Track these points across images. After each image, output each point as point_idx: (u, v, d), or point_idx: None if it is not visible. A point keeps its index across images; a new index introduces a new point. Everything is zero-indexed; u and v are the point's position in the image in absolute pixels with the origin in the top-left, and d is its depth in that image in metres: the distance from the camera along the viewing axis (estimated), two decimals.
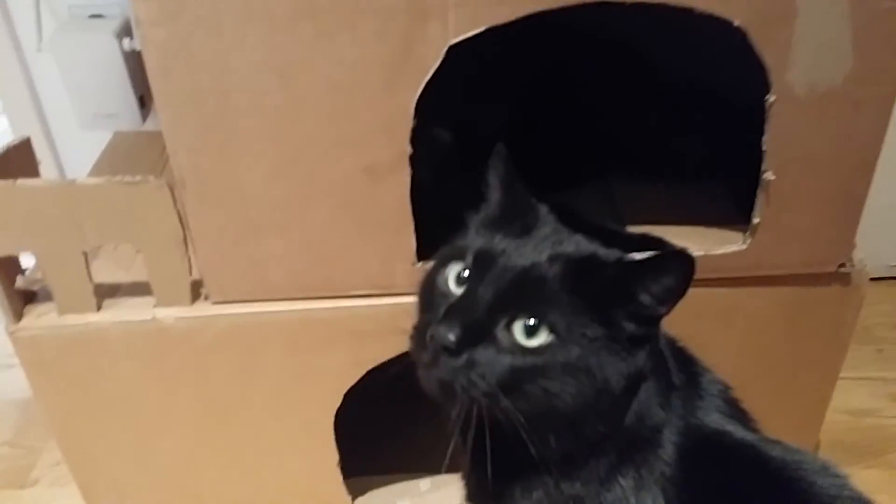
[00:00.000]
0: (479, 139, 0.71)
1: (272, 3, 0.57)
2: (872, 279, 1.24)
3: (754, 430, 0.58)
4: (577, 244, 0.53)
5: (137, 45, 1.01)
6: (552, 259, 0.51)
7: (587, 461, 0.53)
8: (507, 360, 0.48)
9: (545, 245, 0.52)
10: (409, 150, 0.63)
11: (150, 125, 1.07)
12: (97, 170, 0.94)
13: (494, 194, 0.56)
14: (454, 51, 0.59)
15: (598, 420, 0.51)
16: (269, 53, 0.59)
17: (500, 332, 0.49)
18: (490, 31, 0.58)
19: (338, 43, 0.58)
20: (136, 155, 0.97)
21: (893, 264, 1.24)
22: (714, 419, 0.56)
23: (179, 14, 0.57)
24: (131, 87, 1.02)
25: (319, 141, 0.63)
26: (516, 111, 0.76)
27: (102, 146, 1.03)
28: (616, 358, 0.50)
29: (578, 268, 0.50)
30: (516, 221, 0.53)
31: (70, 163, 1.16)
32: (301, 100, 0.61)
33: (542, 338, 0.48)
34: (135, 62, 1.03)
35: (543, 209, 0.56)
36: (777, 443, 0.57)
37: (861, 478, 0.94)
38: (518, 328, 0.49)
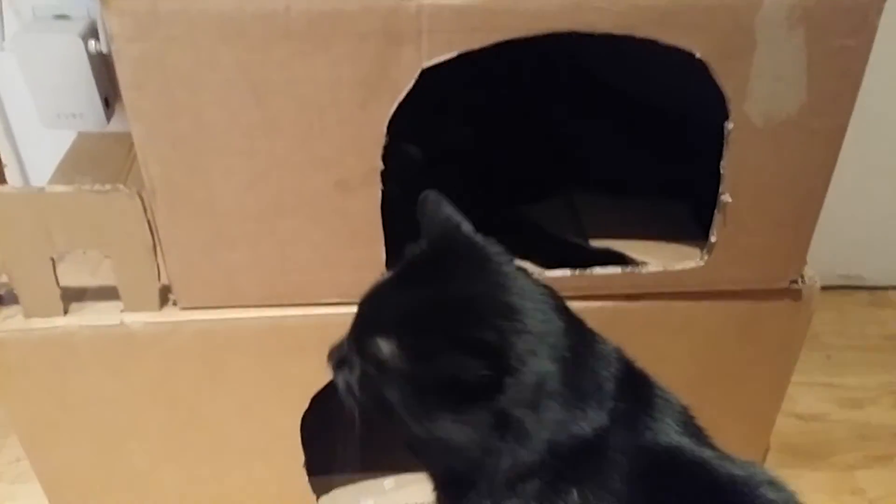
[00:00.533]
0: (446, 153, 0.73)
1: (247, 24, 0.57)
2: (823, 288, 1.29)
3: (710, 447, 0.61)
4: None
5: (104, 48, 1.00)
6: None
7: (496, 484, 0.55)
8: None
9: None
10: (380, 165, 0.64)
11: (114, 126, 1.07)
12: (61, 171, 0.94)
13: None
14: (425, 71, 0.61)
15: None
16: (244, 72, 0.59)
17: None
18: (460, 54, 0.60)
19: (313, 63, 0.59)
20: (100, 157, 0.97)
21: (842, 273, 1.29)
22: (667, 437, 0.58)
23: (154, 31, 0.58)
24: (96, 88, 1.01)
25: (292, 156, 0.64)
26: (483, 127, 0.78)
27: (66, 146, 1.02)
28: None
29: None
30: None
31: (32, 161, 1.14)
32: (275, 117, 0.62)
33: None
34: (100, 63, 1.02)
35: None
36: (729, 458, 0.59)
37: (808, 479, 1.00)
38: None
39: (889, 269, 1.30)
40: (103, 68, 1.03)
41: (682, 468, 0.57)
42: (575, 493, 0.54)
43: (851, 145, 0.98)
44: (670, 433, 0.58)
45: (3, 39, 1.01)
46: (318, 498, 0.89)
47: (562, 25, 0.59)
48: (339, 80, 0.60)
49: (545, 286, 0.57)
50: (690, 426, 0.60)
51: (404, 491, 0.93)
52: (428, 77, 0.61)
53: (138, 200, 0.65)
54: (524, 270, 0.58)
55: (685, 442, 0.58)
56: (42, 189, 0.65)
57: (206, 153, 0.63)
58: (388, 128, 0.63)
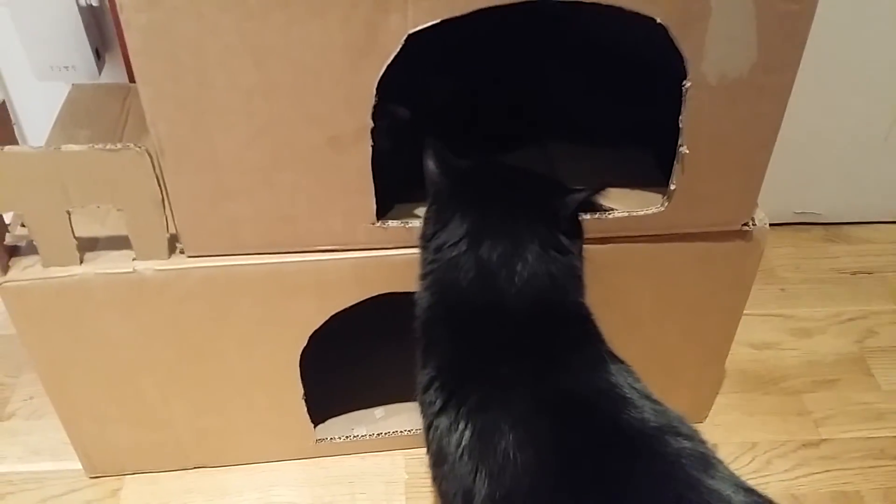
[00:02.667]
0: (427, 108, 0.79)
1: None
2: (778, 224, 1.38)
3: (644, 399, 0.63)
4: None
5: (94, 1, 1.03)
6: None
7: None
8: None
9: None
10: (370, 123, 0.70)
11: (105, 77, 1.11)
12: (60, 124, 0.98)
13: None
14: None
15: None
16: (244, 38, 0.64)
17: None
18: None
19: (307, 30, 0.64)
20: (96, 109, 1.01)
21: (798, 211, 1.36)
22: (595, 384, 0.63)
23: (160, 1, 0.62)
24: (87, 41, 1.05)
25: (289, 115, 0.69)
26: (462, 81, 0.83)
27: (57, 97, 1.05)
28: None
29: None
30: None
31: (25, 113, 1.17)
32: (272, 79, 0.67)
33: None
34: (90, 16, 1.06)
35: None
36: (651, 409, 0.62)
37: (760, 402, 1.10)
38: None
39: (842, 205, 1.36)
40: (93, 21, 1.07)
41: (597, 411, 0.61)
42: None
43: (808, 93, 1.07)
44: (599, 381, 0.63)
45: None
46: (314, 427, 0.97)
47: None
48: (332, 44, 0.65)
49: None
50: (624, 375, 0.64)
51: (393, 420, 1.01)
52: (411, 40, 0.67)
53: (147, 158, 0.71)
54: None
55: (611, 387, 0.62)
56: (59, 148, 0.69)
57: (209, 113, 0.68)
58: (377, 88, 0.68)
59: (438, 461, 0.65)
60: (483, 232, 0.67)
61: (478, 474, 0.60)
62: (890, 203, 1.37)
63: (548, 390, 0.62)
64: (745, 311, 0.94)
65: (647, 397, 0.63)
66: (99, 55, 1.08)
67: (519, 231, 0.67)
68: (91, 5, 1.03)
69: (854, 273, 1.30)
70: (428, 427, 0.66)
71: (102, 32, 1.09)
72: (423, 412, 0.68)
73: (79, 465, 0.96)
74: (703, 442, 0.60)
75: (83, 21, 1.03)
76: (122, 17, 0.63)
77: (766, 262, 1.29)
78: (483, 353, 0.65)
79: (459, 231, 0.67)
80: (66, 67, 1.07)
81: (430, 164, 0.72)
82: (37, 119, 1.03)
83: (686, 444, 0.58)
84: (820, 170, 1.31)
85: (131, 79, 1.08)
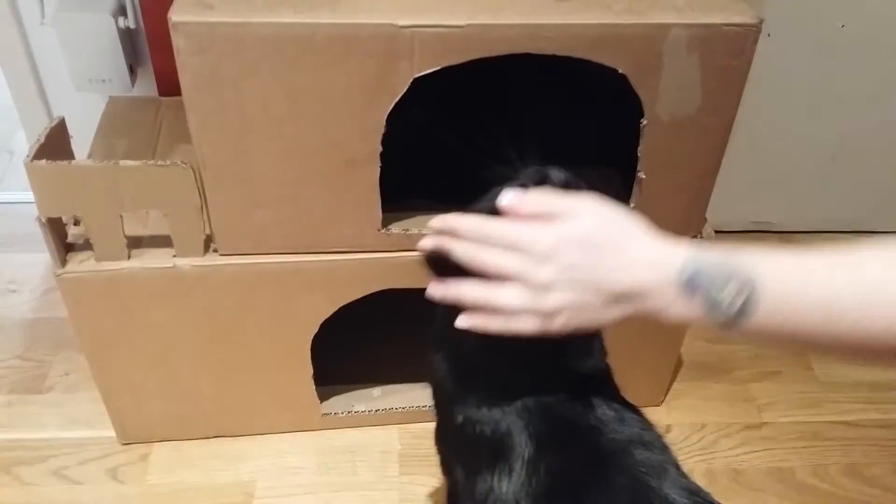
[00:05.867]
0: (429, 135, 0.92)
1: (283, 43, 0.75)
2: (737, 232, 1.53)
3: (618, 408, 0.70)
4: None
5: (130, 24, 1.16)
6: None
7: None
8: None
9: None
10: (379, 148, 0.84)
11: (137, 90, 1.23)
12: (101, 134, 1.10)
13: None
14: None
15: None
16: (278, 78, 0.78)
17: None
18: None
19: (331, 72, 0.78)
20: (132, 120, 1.13)
21: (755, 220, 1.51)
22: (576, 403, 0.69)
23: (210, 48, 0.75)
24: (123, 57, 1.18)
25: (313, 141, 0.83)
26: (458, 113, 0.97)
27: (92, 108, 1.17)
28: None
29: None
30: None
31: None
32: (300, 111, 0.80)
33: None
34: (126, 36, 1.18)
35: None
36: (621, 420, 0.68)
37: (711, 390, 1.25)
38: None
39: (795, 216, 1.52)
40: (129, 40, 1.20)
41: (577, 428, 0.68)
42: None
43: (765, 117, 1.24)
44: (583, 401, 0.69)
45: (43, 16, 1.16)
46: (321, 402, 1.11)
47: (519, 48, 0.78)
48: (351, 85, 0.79)
49: None
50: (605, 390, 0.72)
51: (389, 398, 1.14)
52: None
53: (191, 172, 0.84)
54: None
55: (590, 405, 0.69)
56: (117, 163, 0.83)
57: (246, 138, 0.82)
58: (387, 121, 0.82)
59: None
60: None
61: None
62: (837, 214, 1.52)
63: (532, 401, 0.69)
64: None
65: (623, 408, 0.70)
66: (132, 70, 1.21)
67: None
68: (128, 27, 1.16)
69: None
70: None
71: (136, 50, 1.22)
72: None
73: (112, 433, 1.09)
74: (663, 448, 0.68)
75: (121, 41, 1.16)
76: (177, 60, 0.76)
77: None
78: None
79: None
80: (103, 80, 1.20)
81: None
82: (74, 128, 1.14)
83: (646, 454, 0.66)
84: (775, 184, 1.47)
85: (161, 92, 1.22)
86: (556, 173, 0.67)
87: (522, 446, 0.67)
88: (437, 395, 0.78)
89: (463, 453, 0.75)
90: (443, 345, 0.73)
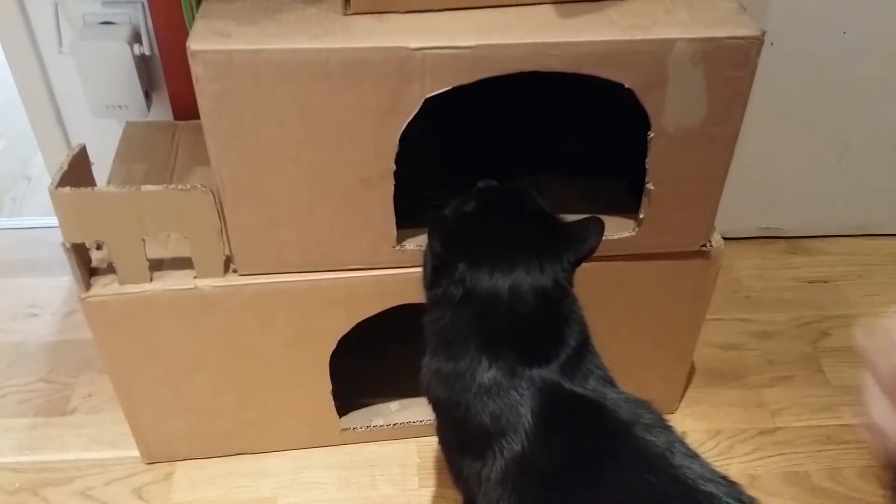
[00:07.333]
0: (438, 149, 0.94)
1: (298, 69, 0.78)
2: (745, 238, 1.55)
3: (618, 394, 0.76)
4: None
5: (146, 51, 1.19)
6: None
7: None
8: None
9: None
10: (393, 167, 0.86)
11: (153, 115, 1.26)
12: (120, 157, 1.13)
13: None
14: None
15: None
16: (294, 102, 0.80)
17: None
18: None
19: (345, 95, 0.80)
20: (149, 145, 1.15)
21: (763, 226, 1.53)
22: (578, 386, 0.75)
23: (228, 74, 0.78)
24: (139, 84, 1.21)
25: (328, 161, 0.85)
26: (466, 125, 0.99)
27: (108, 131, 1.21)
28: None
29: None
30: None
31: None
32: (316, 133, 0.82)
33: None
34: (142, 63, 1.21)
35: None
36: (625, 402, 0.74)
37: (725, 395, 1.26)
38: None
39: (802, 221, 1.53)
40: (144, 67, 1.23)
41: (583, 409, 0.74)
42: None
43: (772, 124, 1.26)
44: (584, 384, 0.75)
45: (61, 45, 1.19)
46: (339, 418, 1.12)
47: (528, 67, 0.80)
48: (365, 106, 0.81)
49: None
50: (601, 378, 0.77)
51: (406, 412, 1.16)
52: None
53: (211, 196, 0.86)
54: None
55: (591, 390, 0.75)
56: (139, 188, 0.85)
57: (264, 160, 0.84)
58: (399, 139, 0.84)
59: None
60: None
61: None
62: (844, 218, 1.53)
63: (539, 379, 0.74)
64: (713, 317, 1.08)
65: (622, 394, 0.75)
66: (148, 95, 1.24)
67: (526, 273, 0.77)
68: (144, 54, 1.19)
69: (811, 282, 1.46)
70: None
71: (151, 76, 1.25)
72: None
73: (136, 453, 1.11)
74: (666, 428, 0.71)
75: (136, 68, 1.18)
76: (196, 86, 0.79)
77: (733, 272, 1.46)
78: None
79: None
80: (120, 107, 1.23)
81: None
82: (91, 152, 1.17)
83: (649, 437, 0.70)
84: (782, 189, 1.48)
85: (176, 116, 1.24)
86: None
87: (525, 423, 0.72)
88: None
89: (467, 443, 0.79)
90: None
